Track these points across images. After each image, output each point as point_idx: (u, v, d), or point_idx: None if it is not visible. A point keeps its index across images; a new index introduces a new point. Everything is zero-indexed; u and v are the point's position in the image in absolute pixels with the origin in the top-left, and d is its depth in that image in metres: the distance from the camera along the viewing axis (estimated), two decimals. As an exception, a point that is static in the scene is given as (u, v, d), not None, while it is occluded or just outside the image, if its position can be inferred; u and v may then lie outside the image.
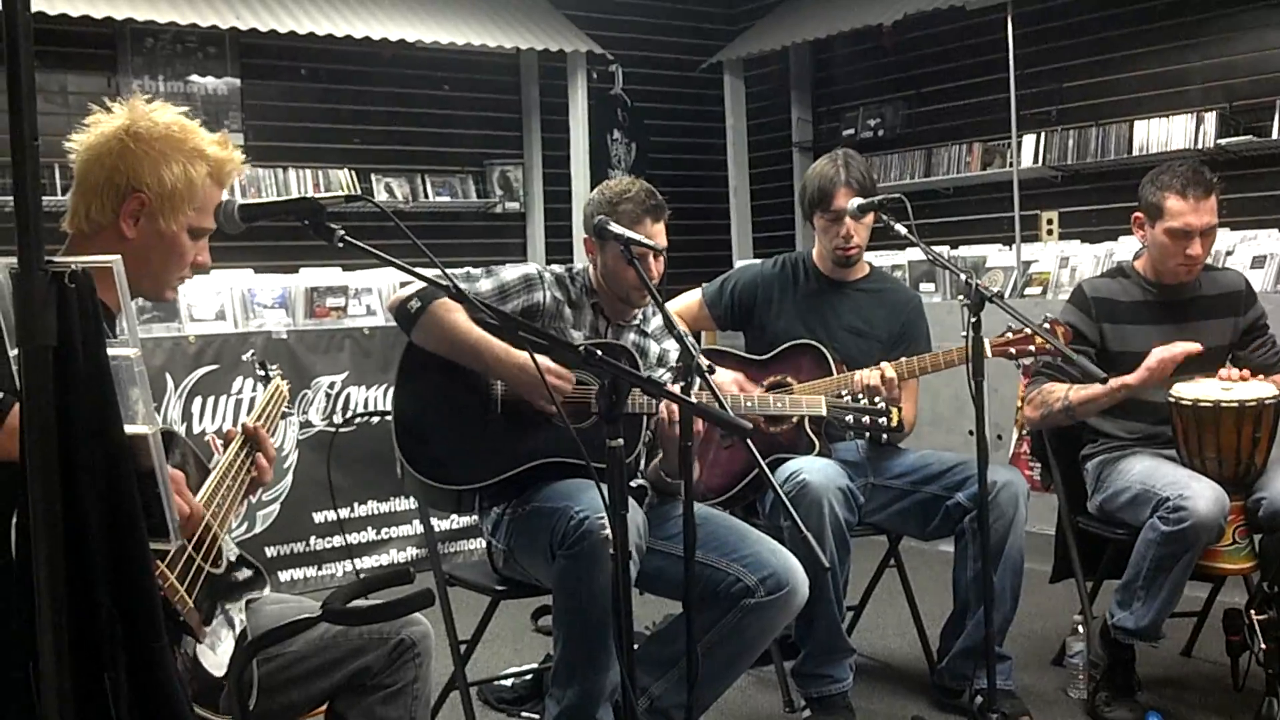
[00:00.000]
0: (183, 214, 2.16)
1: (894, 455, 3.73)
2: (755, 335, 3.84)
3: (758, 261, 4.02)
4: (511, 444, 3.05)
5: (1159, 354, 3.42)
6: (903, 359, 3.48)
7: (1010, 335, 3.42)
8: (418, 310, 3.02)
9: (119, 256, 1.55)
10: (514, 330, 2.97)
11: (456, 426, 3.09)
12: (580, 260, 3.70)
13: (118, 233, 2.12)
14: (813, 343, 3.65)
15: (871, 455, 3.71)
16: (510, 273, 3.19)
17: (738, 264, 5.02)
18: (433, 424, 3.09)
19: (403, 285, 3.20)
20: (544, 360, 2.96)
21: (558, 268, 3.29)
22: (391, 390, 3.23)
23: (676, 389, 2.68)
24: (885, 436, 3.38)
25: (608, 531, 2.75)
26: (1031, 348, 3.41)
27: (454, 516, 5.02)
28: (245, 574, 2.25)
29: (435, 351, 3.06)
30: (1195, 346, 3.42)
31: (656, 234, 3.14)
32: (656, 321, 3.36)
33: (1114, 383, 3.47)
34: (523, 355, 2.98)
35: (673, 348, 3.34)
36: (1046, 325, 3.37)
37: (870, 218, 3.67)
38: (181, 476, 1.97)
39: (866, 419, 3.30)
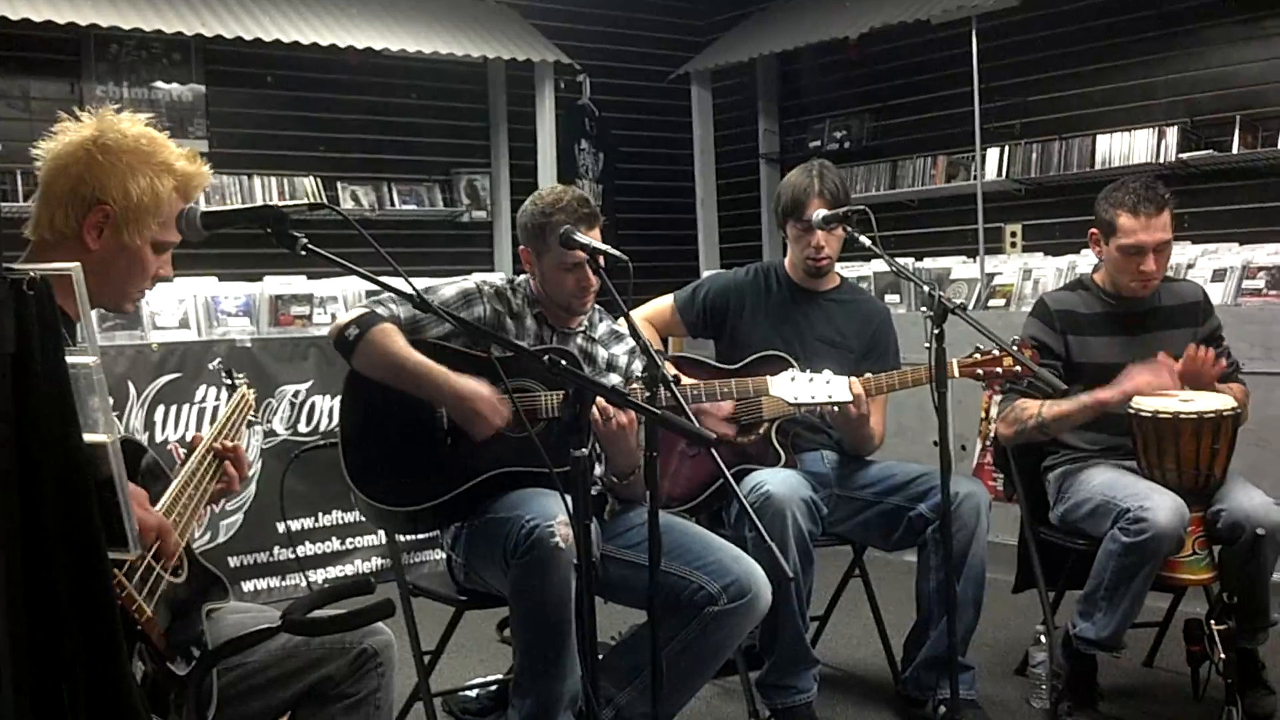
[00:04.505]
0: (147, 228, 2.15)
1: (859, 466, 3.75)
2: (727, 343, 3.84)
3: (729, 270, 4.02)
4: (460, 460, 3.02)
5: (1139, 383, 3.43)
6: (871, 376, 3.48)
7: (978, 356, 3.41)
8: (356, 337, 3.00)
9: (78, 265, 1.54)
10: (478, 339, 2.97)
11: (404, 447, 3.06)
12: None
13: (81, 243, 2.11)
14: (781, 354, 3.65)
15: (838, 466, 3.73)
16: (448, 290, 3.18)
17: (705, 274, 5.02)
18: (380, 446, 3.06)
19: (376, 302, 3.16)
20: (482, 390, 2.95)
21: (498, 280, 3.28)
22: (337, 415, 3.20)
23: (641, 398, 2.67)
24: (846, 442, 3.37)
25: (558, 539, 2.76)
26: (999, 369, 3.40)
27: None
28: (206, 583, 2.24)
29: (376, 378, 3.03)
30: (1176, 389, 3.43)
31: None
32: (603, 328, 3.37)
33: (1087, 399, 3.49)
34: (461, 384, 2.95)
35: (621, 352, 3.35)
36: (1015, 345, 3.38)
37: (841, 229, 3.68)
38: (144, 493, 1.95)
39: (814, 396, 3.31)
